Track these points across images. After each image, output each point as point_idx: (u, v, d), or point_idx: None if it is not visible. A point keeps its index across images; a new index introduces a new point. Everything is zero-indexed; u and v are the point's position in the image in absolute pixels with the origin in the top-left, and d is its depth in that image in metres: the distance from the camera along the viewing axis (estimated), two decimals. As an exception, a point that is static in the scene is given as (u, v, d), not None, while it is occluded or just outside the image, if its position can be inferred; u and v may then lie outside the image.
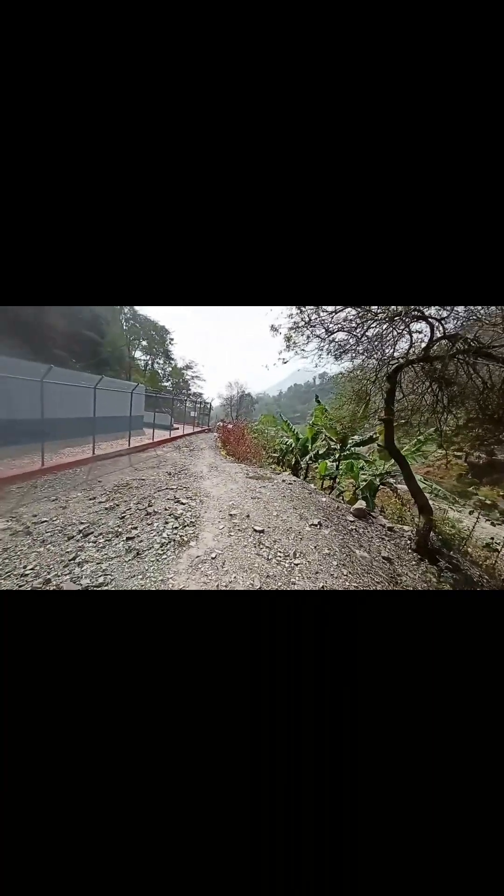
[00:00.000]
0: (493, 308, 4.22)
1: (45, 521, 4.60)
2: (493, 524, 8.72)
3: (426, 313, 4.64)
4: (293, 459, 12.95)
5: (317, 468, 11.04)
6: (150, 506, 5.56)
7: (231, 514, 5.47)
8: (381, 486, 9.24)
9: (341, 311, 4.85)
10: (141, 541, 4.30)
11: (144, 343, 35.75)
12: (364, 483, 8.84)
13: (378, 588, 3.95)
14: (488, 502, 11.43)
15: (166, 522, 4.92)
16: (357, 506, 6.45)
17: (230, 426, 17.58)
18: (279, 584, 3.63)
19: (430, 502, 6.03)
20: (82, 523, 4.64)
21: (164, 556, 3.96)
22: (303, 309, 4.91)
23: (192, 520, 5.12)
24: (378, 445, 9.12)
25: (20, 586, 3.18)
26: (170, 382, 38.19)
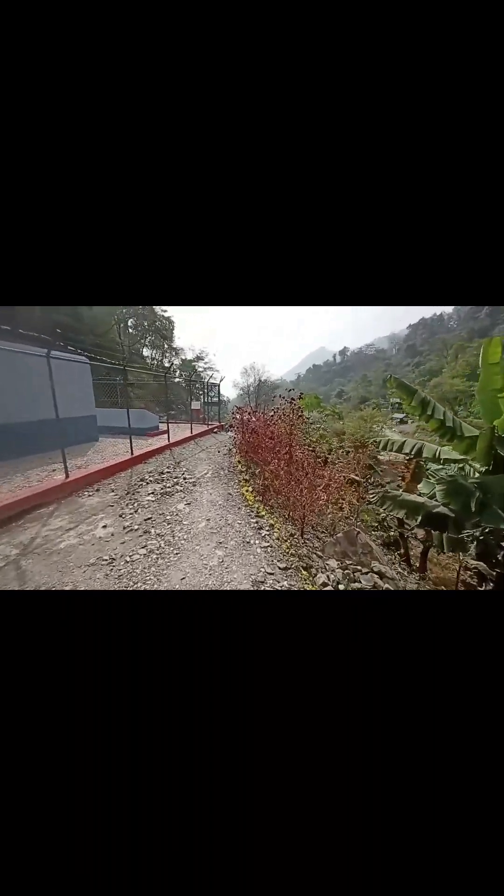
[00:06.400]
0: None
1: None
2: None
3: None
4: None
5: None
6: None
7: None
8: None
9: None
10: None
11: (150, 338, 30.10)
12: None
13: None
14: None
15: None
16: None
17: (253, 421, 8.42)
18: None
19: None
20: None
21: None
22: None
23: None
24: None
25: None
26: (181, 377, 31.94)
